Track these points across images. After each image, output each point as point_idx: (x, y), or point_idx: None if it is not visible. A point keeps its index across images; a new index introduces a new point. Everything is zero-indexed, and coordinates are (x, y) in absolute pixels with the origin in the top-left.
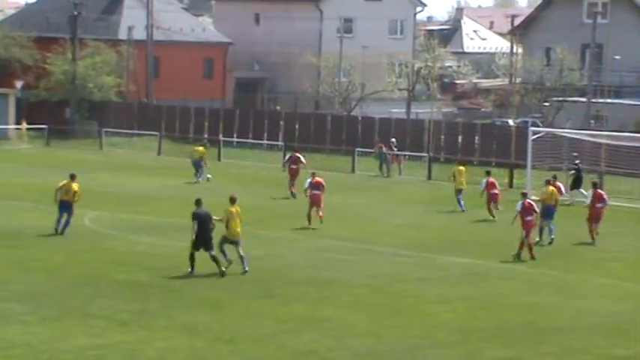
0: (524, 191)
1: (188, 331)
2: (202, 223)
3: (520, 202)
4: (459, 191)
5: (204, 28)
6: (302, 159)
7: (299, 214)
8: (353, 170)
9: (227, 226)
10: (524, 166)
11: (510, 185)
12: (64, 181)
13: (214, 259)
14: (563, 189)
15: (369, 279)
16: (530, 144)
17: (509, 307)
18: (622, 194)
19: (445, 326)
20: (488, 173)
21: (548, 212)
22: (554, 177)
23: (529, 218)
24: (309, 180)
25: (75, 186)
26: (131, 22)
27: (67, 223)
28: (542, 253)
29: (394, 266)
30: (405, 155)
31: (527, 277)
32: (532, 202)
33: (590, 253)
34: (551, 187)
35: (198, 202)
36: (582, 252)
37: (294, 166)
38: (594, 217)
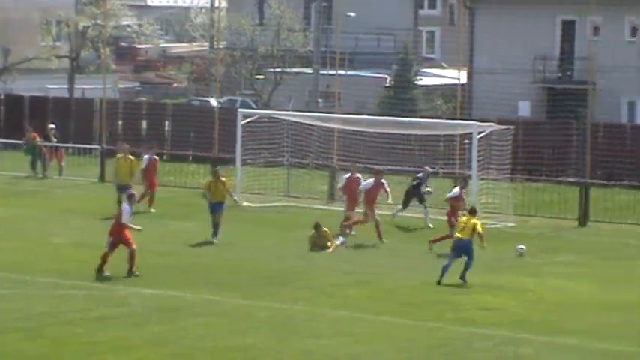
0: None
1: None
2: None
3: None
4: None
5: None
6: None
7: None
8: None
9: None
10: (232, 161)
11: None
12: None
13: None
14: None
15: (21, 321)
16: (239, 130)
17: (213, 352)
18: None
19: None
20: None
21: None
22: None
23: None
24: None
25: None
26: None
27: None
28: (259, 277)
29: (56, 302)
30: (67, 148)
31: (239, 311)
32: None
33: (324, 275)
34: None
35: None
36: (313, 274)
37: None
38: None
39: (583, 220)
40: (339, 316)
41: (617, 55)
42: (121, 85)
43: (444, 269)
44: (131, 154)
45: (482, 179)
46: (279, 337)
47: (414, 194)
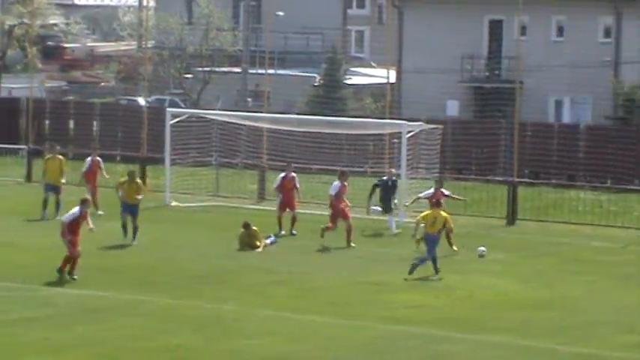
0: None
1: None
2: None
3: None
4: None
5: None
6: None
7: None
8: None
9: None
10: (161, 161)
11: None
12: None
13: None
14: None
15: None
16: (168, 130)
17: (141, 353)
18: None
19: None
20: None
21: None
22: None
23: None
24: None
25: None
26: None
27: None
28: (187, 276)
29: None
30: None
31: (167, 311)
32: None
33: (247, 275)
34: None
35: None
36: (242, 274)
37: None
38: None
39: (511, 218)
40: (268, 315)
41: (545, 54)
42: (48, 85)
43: (434, 262)
44: (60, 154)
45: (412, 178)
46: (207, 337)
47: (376, 192)
